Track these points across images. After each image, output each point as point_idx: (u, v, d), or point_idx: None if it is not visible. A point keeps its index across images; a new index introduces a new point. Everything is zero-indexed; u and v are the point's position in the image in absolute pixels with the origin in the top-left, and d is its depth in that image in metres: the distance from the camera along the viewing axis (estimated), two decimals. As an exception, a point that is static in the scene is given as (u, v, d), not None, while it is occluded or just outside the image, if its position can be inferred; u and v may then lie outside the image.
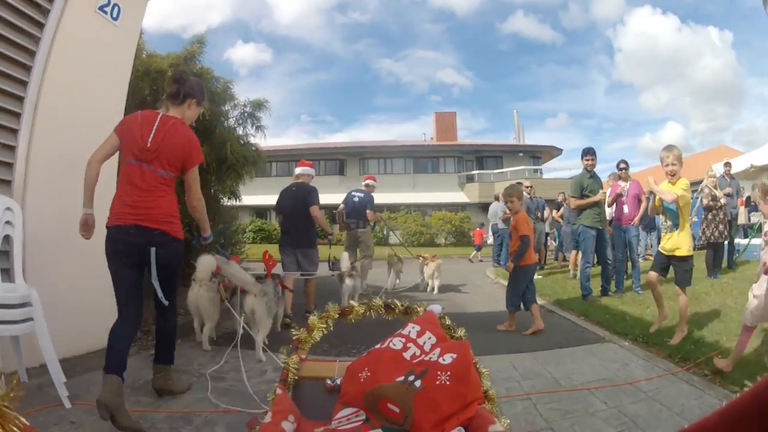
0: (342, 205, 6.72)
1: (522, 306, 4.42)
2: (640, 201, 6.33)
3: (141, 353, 3.38)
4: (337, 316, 1.69)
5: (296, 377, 1.59)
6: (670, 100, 75.90)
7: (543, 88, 62.34)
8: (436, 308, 1.71)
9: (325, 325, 1.66)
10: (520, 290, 4.44)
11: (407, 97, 58.36)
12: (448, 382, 1.38)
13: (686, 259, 3.81)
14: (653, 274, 3.95)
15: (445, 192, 27.88)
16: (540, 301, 5.46)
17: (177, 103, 2.58)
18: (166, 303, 2.49)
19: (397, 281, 7.66)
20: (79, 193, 2.45)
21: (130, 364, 2.29)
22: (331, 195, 29.21)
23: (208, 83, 5.91)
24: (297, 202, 4.94)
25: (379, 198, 25.89)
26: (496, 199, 11.03)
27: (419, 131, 31.03)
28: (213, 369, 2.97)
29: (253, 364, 3.18)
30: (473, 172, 28.72)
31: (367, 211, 6.45)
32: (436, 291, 7.14)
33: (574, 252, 8.03)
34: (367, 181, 6.95)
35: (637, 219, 6.36)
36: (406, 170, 29.20)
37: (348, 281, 5.16)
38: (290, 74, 65.23)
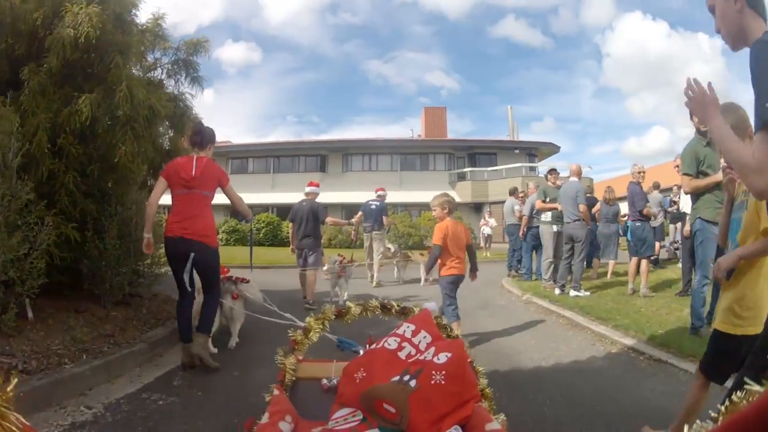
0: (360, 212, 8.79)
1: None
2: None
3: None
4: (334, 317, 1.80)
5: (293, 378, 1.69)
6: (656, 106, 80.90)
7: (530, 92, 65.74)
8: (431, 306, 1.83)
9: (321, 327, 1.78)
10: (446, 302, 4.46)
11: (395, 98, 62.18)
12: (442, 381, 1.48)
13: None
14: None
15: (434, 191, 26.73)
16: (622, 337, 4.43)
17: (202, 148, 3.86)
18: (189, 289, 3.69)
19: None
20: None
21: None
22: None
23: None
24: (307, 215, 6.72)
25: (363, 197, 25.64)
26: (511, 194, 10.36)
27: (406, 134, 31.21)
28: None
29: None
30: (465, 170, 28.10)
31: (384, 217, 8.98)
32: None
33: (635, 259, 6.76)
34: (380, 192, 9.34)
35: None
36: (393, 167, 28.49)
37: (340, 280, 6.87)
38: (278, 74, 68.92)
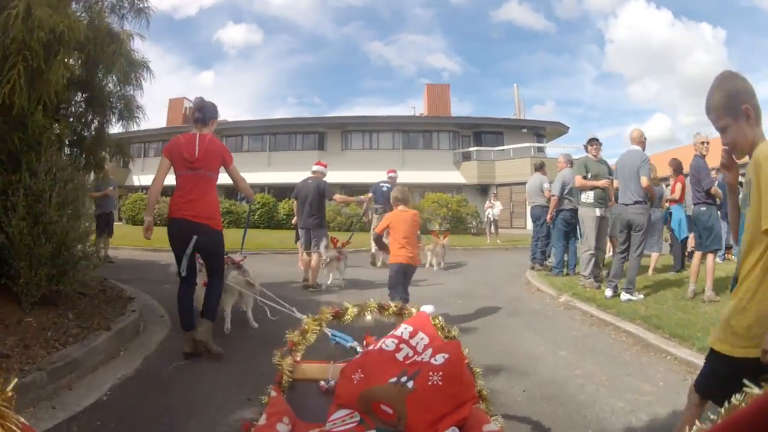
0: (371, 194, 9.17)
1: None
2: None
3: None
4: (331, 317, 1.84)
5: (290, 379, 1.73)
6: (658, 93, 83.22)
7: (532, 76, 66.73)
8: (428, 308, 1.86)
9: (318, 327, 1.82)
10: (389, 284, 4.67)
11: (396, 80, 64.09)
12: (440, 383, 1.51)
13: None
14: None
15: (438, 171, 26.64)
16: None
17: (204, 124, 3.87)
18: (184, 274, 3.71)
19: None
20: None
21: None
22: (308, 173, 29.51)
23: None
24: (312, 192, 6.87)
25: (363, 176, 25.55)
26: (537, 169, 9.22)
27: (408, 113, 31.09)
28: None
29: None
30: (471, 149, 27.40)
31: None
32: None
33: (698, 254, 5.84)
34: (391, 174, 9.65)
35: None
36: (395, 146, 28.04)
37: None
38: (279, 56, 70.63)
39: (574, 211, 7.34)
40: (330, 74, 67.80)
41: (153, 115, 33.73)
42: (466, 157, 27.76)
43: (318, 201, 6.94)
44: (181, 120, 31.60)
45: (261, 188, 25.55)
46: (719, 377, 1.81)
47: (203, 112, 3.88)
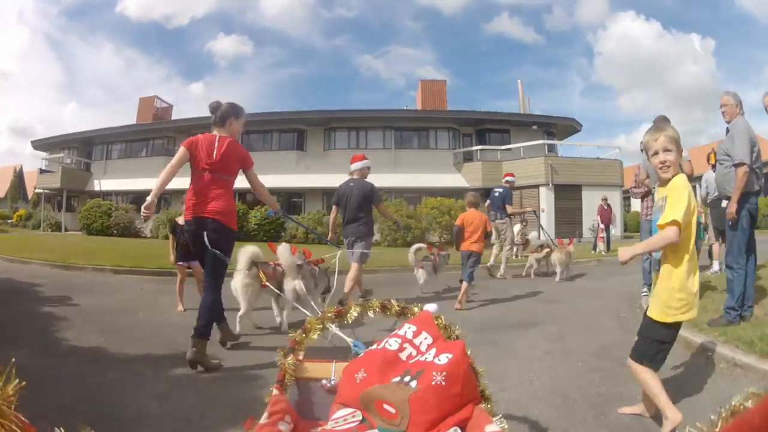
0: (488, 201, 10.13)
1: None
2: None
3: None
4: (334, 317, 2.01)
5: (293, 378, 1.87)
6: (646, 103, 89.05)
7: (517, 89, 71.14)
8: (431, 307, 2.01)
9: (321, 326, 1.98)
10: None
11: (385, 92, 71.61)
12: (443, 383, 1.65)
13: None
14: None
15: (436, 173, 25.53)
16: None
17: (221, 126, 4.18)
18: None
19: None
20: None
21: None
22: (287, 176, 28.87)
23: None
24: (357, 198, 6.55)
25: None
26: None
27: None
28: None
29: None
30: (473, 149, 26.23)
31: (507, 205, 9.97)
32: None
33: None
34: (508, 178, 10.46)
35: None
36: (386, 145, 26.85)
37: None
38: (268, 67, 77.68)
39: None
40: (319, 87, 75.00)
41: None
42: (468, 157, 26.48)
43: (363, 207, 6.54)
44: (151, 118, 31.06)
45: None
46: (656, 342, 2.72)
47: (217, 113, 4.19)
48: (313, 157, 26.47)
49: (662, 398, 2.64)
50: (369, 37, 71.70)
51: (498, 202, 10.04)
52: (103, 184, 29.26)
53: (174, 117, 32.53)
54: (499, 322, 5.77)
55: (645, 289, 6.60)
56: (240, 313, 4.88)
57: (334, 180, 23.50)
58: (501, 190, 10.26)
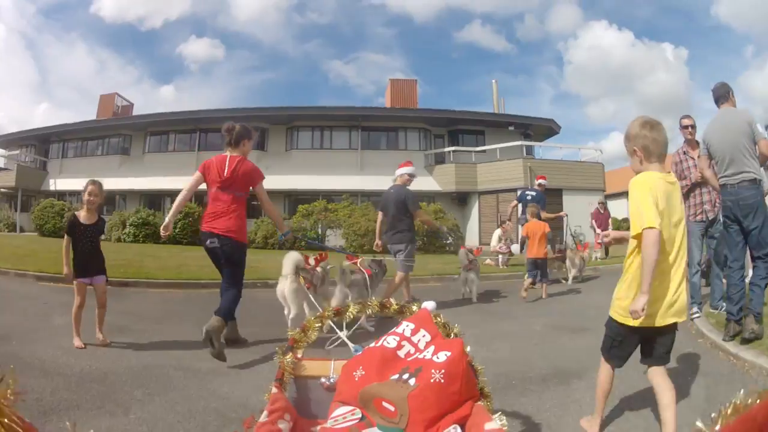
0: (517, 202, 10.64)
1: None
2: None
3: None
4: (333, 316, 2.07)
5: (292, 376, 1.92)
6: (615, 112, 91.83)
7: (489, 96, 75.00)
8: (429, 305, 2.08)
9: (320, 325, 2.03)
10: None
11: (354, 99, 71.54)
12: (442, 380, 1.72)
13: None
14: None
15: None
16: None
17: (235, 147, 4.77)
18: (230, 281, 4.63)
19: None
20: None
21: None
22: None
23: None
24: (395, 205, 6.75)
25: (313, 182, 25.27)
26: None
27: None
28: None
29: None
30: (446, 150, 25.81)
31: (541, 210, 9.46)
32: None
33: None
34: (541, 181, 11.02)
35: None
36: (352, 145, 26.50)
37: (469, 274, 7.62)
38: (238, 72, 76.95)
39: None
40: (289, 92, 76.12)
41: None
42: (440, 159, 25.98)
43: (401, 213, 6.72)
44: (110, 115, 30.18)
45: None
46: (614, 340, 2.78)
47: (232, 134, 4.76)
48: (275, 156, 25.69)
49: (599, 396, 2.89)
50: (339, 43, 74.22)
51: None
52: (58, 183, 28.07)
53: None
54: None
55: (695, 309, 5.83)
56: (291, 315, 5.22)
57: (297, 181, 23.50)
58: (534, 193, 10.55)
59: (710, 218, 5.94)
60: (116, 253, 11.74)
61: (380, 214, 7.09)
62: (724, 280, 5.67)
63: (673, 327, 2.65)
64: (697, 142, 5.81)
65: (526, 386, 3.65)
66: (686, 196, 5.95)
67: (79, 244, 4.61)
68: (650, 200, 2.47)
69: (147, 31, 64.67)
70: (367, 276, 5.89)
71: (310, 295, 5.16)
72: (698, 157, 5.58)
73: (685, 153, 6.11)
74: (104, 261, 4.82)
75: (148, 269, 9.90)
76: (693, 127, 6.21)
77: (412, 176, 6.99)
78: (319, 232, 16.39)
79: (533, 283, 7.81)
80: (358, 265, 6.02)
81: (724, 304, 5.43)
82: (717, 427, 0.67)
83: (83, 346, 4.50)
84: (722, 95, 5.17)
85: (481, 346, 4.66)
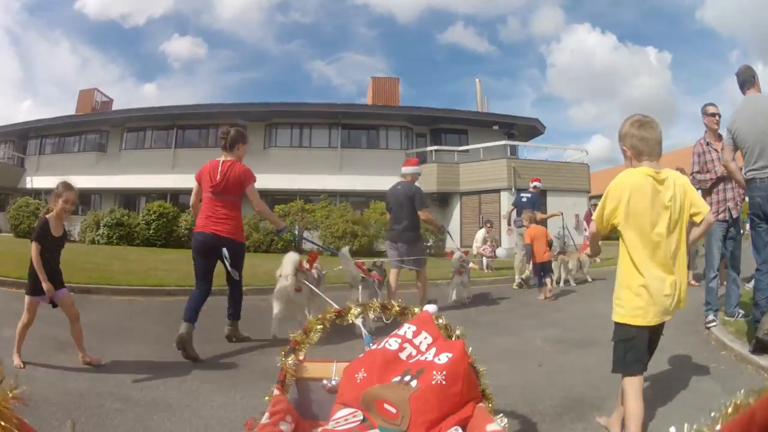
0: (513, 207, 10.68)
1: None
2: None
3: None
4: (335, 317, 2.09)
5: (294, 378, 1.93)
6: (598, 115, 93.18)
7: (471, 98, 76.24)
8: (431, 308, 2.11)
9: (321, 326, 2.06)
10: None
11: (337, 98, 68.82)
12: (443, 382, 1.75)
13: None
14: None
15: (386, 176, 20.10)
16: None
17: (230, 151, 5.00)
18: (237, 278, 4.99)
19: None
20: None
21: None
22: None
23: None
24: (402, 201, 6.87)
25: (291, 181, 25.06)
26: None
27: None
28: None
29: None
30: (428, 149, 25.51)
31: (537, 212, 9.80)
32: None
33: None
34: (535, 183, 11.16)
35: None
36: (332, 143, 26.34)
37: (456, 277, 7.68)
38: (220, 71, 78.57)
39: None
40: (270, 92, 79.74)
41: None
42: (422, 159, 24.23)
43: (409, 210, 6.82)
44: (90, 110, 29.53)
45: (162, 194, 23.77)
46: (630, 344, 2.62)
47: (226, 138, 5.01)
48: (252, 154, 25.66)
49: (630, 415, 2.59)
50: (321, 43, 76.38)
51: (527, 207, 10.12)
52: (35, 181, 27.25)
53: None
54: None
55: (711, 317, 5.42)
56: (299, 317, 5.34)
57: (275, 180, 23.23)
58: (529, 195, 10.66)
59: (734, 217, 5.54)
60: (87, 256, 11.67)
61: (389, 213, 7.26)
62: (747, 285, 5.61)
63: (662, 327, 2.71)
64: (720, 135, 5.41)
65: (536, 425, 3.23)
66: (709, 191, 5.60)
67: (45, 255, 4.11)
68: (609, 203, 2.65)
69: (130, 29, 64.79)
70: (376, 281, 6.20)
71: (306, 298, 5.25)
72: (722, 148, 5.14)
73: (708, 144, 5.67)
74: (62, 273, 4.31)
75: (112, 274, 9.51)
76: (719, 115, 5.75)
77: (418, 175, 7.27)
78: (296, 234, 16.18)
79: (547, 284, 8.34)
80: (367, 269, 6.30)
81: (741, 311, 5.37)
82: (717, 427, 0.68)
83: (22, 365, 4.07)
84: (747, 80, 4.83)
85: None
